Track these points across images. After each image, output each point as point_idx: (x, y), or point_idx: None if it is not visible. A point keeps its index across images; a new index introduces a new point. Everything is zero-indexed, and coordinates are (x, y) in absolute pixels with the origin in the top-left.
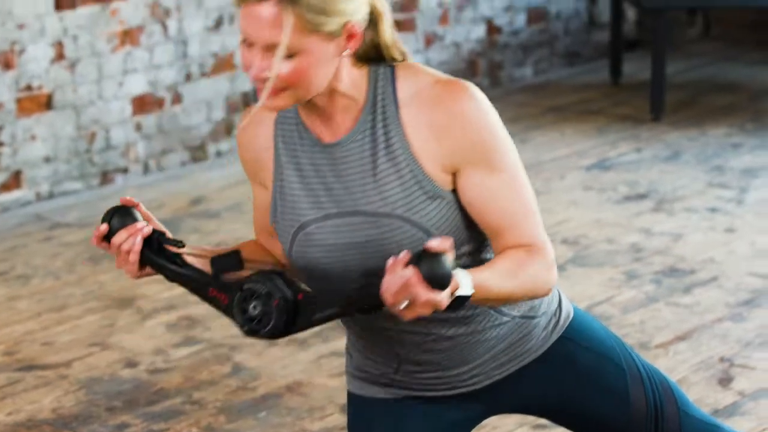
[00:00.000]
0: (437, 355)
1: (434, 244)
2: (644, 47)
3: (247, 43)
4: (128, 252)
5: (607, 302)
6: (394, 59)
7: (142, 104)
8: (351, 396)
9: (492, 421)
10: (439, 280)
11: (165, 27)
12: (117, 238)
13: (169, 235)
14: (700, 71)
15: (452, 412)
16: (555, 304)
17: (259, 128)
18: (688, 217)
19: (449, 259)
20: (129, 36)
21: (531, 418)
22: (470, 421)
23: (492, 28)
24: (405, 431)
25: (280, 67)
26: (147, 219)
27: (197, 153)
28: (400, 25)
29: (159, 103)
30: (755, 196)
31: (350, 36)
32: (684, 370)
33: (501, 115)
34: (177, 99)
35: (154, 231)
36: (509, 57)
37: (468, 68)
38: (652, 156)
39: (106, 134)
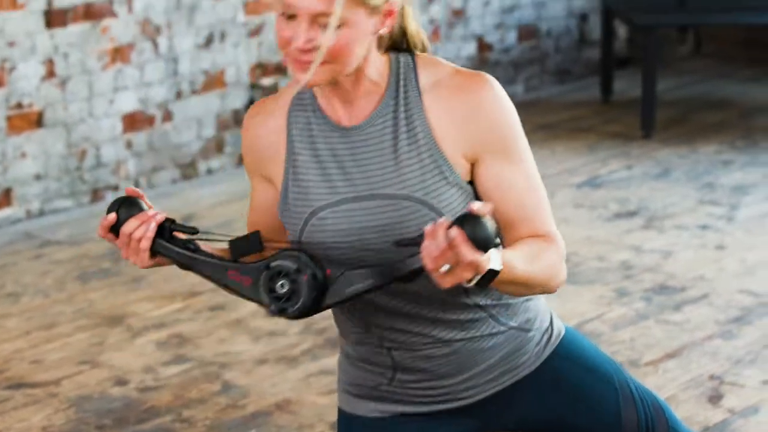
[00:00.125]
0: (433, 362)
1: (476, 207)
2: (635, 65)
3: (289, 15)
4: (139, 240)
5: (597, 319)
6: (415, 49)
7: (133, 122)
8: (342, 413)
9: None
10: (482, 242)
11: (155, 44)
12: (127, 227)
13: (180, 222)
14: (691, 88)
15: (444, 428)
16: (547, 322)
17: (270, 119)
18: (678, 235)
19: (491, 222)
20: (119, 53)
21: None
22: None
23: (483, 46)
24: None
25: (332, 36)
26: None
27: (188, 170)
28: None
29: (149, 121)
30: (746, 213)
31: (388, 14)
32: (674, 388)
33: None
34: (167, 116)
35: (166, 218)
36: (500, 74)
37: None
38: (643, 173)
39: (96, 152)
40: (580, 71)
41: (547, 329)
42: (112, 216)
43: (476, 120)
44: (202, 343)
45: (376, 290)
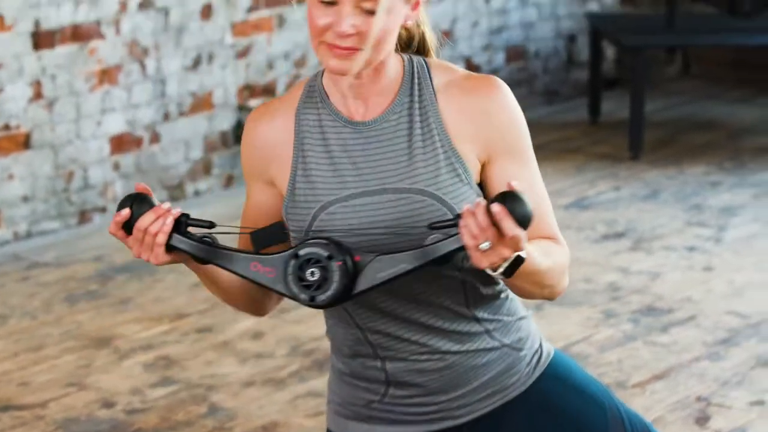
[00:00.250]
0: (426, 376)
1: (515, 184)
2: (623, 86)
3: (327, 1)
4: (155, 235)
5: (584, 341)
6: (426, 53)
7: (120, 143)
8: None
9: None
10: (523, 218)
11: (143, 66)
12: (142, 222)
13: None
14: (679, 109)
15: None
16: (537, 343)
17: (276, 119)
18: (666, 256)
19: (529, 200)
20: (107, 75)
21: None
22: None
23: (471, 67)
24: None
25: (384, 20)
26: None
27: (175, 192)
28: None
29: (137, 143)
30: (733, 234)
31: (416, 5)
32: (661, 410)
33: None
34: (155, 138)
35: (180, 213)
36: None
37: None
38: (631, 195)
39: (84, 173)
40: (568, 92)
41: (537, 350)
42: (126, 211)
43: (489, 121)
44: (189, 365)
45: (409, 274)
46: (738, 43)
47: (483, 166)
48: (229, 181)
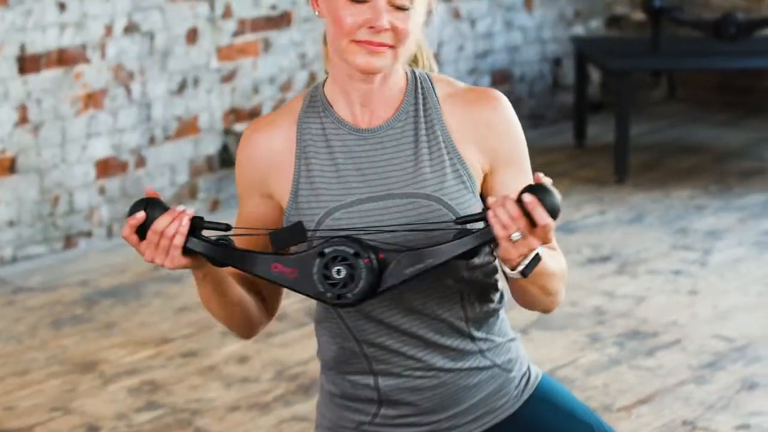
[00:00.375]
0: (418, 395)
1: (541, 175)
2: (609, 109)
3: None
4: (172, 237)
5: (570, 365)
6: (424, 68)
7: (106, 168)
8: None
9: None
10: (553, 209)
11: (129, 90)
12: (158, 225)
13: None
14: (665, 133)
15: None
16: (525, 366)
17: (274, 131)
18: (651, 280)
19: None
20: (93, 99)
21: None
22: None
23: None
24: None
25: (421, 14)
26: None
27: None
28: None
29: (123, 167)
30: (719, 258)
31: (430, 11)
32: None
33: None
34: (141, 162)
35: (195, 215)
36: None
37: None
38: (616, 218)
39: (69, 198)
40: (553, 116)
41: (525, 373)
42: (141, 214)
43: (492, 132)
44: (174, 389)
45: (436, 269)
46: (723, 67)
47: (485, 177)
48: (215, 205)
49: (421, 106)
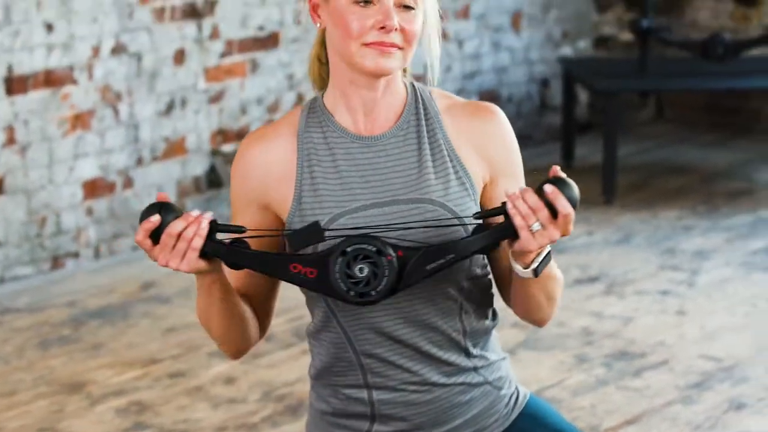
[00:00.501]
0: (412, 410)
1: (557, 168)
2: (596, 130)
3: (366, 1)
4: (190, 240)
5: (557, 386)
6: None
7: (94, 189)
8: None
9: None
10: (572, 200)
11: (116, 111)
12: (174, 228)
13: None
14: (653, 153)
15: None
16: (514, 385)
17: (273, 142)
18: (639, 300)
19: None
20: (80, 120)
21: None
22: None
23: None
24: None
25: (432, 12)
26: None
27: None
28: None
29: (110, 188)
30: (706, 278)
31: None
32: None
33: None
34: (128, 183)
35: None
36: None
37: None
38: (604, 239)
39: (57, 219)
40: (541, 137)
41: (514, 392)
42: (156, 218)
43: (492, 143)
44: (162, 410)
45: (455, 263)
46: (711, 88)
47: (484, 187)
48: None
49: (422, 116)
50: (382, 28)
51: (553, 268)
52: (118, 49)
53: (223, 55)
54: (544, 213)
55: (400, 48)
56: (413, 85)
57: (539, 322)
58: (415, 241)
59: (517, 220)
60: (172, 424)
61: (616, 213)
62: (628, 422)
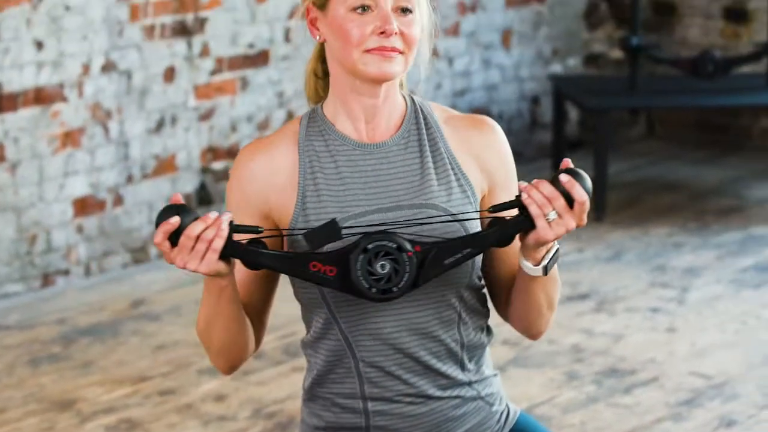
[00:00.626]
0: (406, 422)
1: (569, 161)
2: (587, 147)
3: (363, 7)
4: (210, 241)
5: (547, 403)
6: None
7: (84, 206)
8: None
9: None
10: (587, 188)
11: (106, 129)
12: (193, 230)
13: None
14: (643, 171)
15: None
16: (504, 402)
17: (273, 151)
18: (629, 317)
19: None
20: (70, 138)
21: None
22: None
23: None
24: None
25: (427, 15)
26: None
27: (139, 255)
28: None
29: (100, 205)
30: (696, 296)
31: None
32: None
33: None
34: (118, 201)
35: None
36: None
37: None
38: (594, 256)
39: (47, 236)
40: (532, 154)
41: (505, 409)
42: (176, 219)
43: (491, 155)
44: (152, 428)
45: (473, 257)
46: (701, 105)
47: (482, 198)
48: None
49: (422, 125)
50: (382, 33)
51: (556, 270)
52: (108, 67)
53: (213, 72)
54: (561, 202)
55: (401, 52)
56: (412, 98)
57: (535, 333)
58: (432, 236)
59: (533, 209)
60: None
61: (606, 230)
62: None
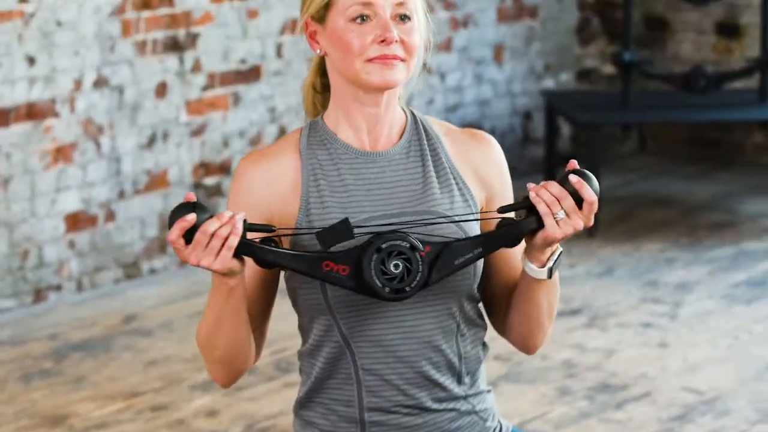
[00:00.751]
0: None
1: (575, 162)
2: (579, 162)
3: (362, 16)
4: (225, 238)
5: (540, 418)
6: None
7: (76, 222)
8: None
9: None
10: (595, 188)
11: (98, 144)
12: (209, 226)
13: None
14: (635, 186)
15: None
16: (497, 418)
17: (275, 161)
18: (621, 333)
19: None
20: (62, 153)
21: None
22: None
23: None
24: None
25: (424, 21)
26: None
27: (131, 270)
28: None
29: (92, 221)
30: (688, 311)
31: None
32: None
33: None
34: (110, 216)
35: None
36: None
37: None
38: (586, 272)
39: (39, 252)
40: (524, 169)
41: (497, 425)
42: (192, 216)
43: (490, 167)
44: None
45: (482, 257)
46: (693, 120)
47: (480, 210)
48: (184, 262)
49: (423, 136)
50: (383, 41)
51: (557, 278)
52: (99, 83)
53: (205, 88)
54: (569, 201)
55: (402, 60)
56: (411, 111)
57: (531, 346)
58: (442, 236)
59: (542, 208)
60: None
61: (598, 245)
62: None
